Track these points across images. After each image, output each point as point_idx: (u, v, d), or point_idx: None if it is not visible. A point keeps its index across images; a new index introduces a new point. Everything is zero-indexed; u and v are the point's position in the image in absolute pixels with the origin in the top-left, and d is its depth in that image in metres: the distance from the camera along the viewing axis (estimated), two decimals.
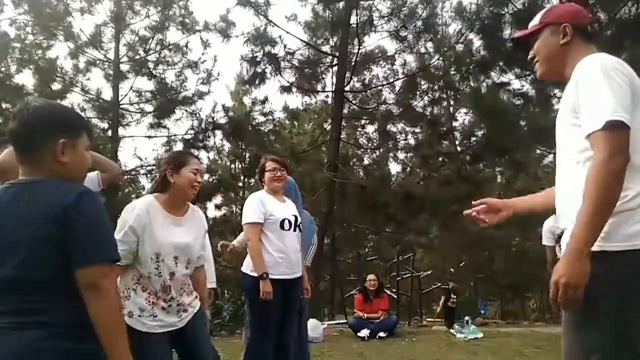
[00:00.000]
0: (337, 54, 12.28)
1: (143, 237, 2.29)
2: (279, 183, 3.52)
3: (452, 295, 8.79)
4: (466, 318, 7.16)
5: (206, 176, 13.66)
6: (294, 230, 3.44)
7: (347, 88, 12.31)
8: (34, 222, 1.31)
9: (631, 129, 1.39)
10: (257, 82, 12.41)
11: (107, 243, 1.39)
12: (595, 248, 1.39)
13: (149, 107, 13.36)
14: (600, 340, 1.39)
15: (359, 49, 12.29)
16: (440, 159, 14.72)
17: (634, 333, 1.37)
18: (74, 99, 12.54)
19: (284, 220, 3.38)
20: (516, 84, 10.49)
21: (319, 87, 14.24)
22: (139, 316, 2.30)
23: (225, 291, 11.31)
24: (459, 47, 11.78)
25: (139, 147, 28.12)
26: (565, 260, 1.38)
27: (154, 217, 2.32)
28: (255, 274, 3.28)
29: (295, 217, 3.48)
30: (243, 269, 3.49)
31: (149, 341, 2.29)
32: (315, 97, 15.24)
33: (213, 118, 13.29)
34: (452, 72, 12.50)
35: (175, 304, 2.38)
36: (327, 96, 14.49)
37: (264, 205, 3.38)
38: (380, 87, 14.79)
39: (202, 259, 2.57)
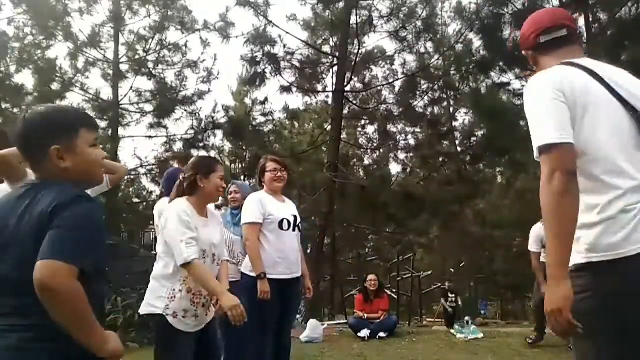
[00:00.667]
0: (337, 53, 12.28)
1: None
2: (279, 183, 3.54)
3: (450, 295, 8.80)
4: (466, 318, 7.15)
5: None
6: (293, 230, 3.45)
7: (347, 88, 12.31)
8: (32, 222, 1.30)
9: (585, 140, 1.41)
10: (257, 82, 12.40)
11: (76, 247, 1.27)
12: (582, 260, 1.40)
13: (148, 107, 13.36)
14: (599, 355, 1.39)
15: (358, 48, 12.29)
16: (440, 159, 14.72)
17: (632, 344, 1.35)
18: (73, 99, 12.54)
19: (282, 220, 3.40)
20: (516, 84, 10.50)
21: (319, 87, 14.26)
22: (183, 317, 2.42)
23: None
24: (459, 46, 11.78)
25: (139, 146, 28.18)
26: (547, 289, 1.38)
27: (192, 218, 2.47)
28: (253, 274, 3.29)
29: (295, 216, 3.49)
30: (242, 268, 3.49)
31: (183, 339, 2.41)
32: (315, 97, 15.27)
33: (213, 118, 13.28)
34: (451, 72, 12.50)
35: (209, 299, 2.53)
36: (327, 96, 14.50)
37: (263, 206, 3.39)
38: (380, 87, 14.79)
39: (224, 254, 2.73)
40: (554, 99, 1.44)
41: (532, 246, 5.39)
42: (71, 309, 1.24)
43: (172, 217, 2.44)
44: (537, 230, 5.33)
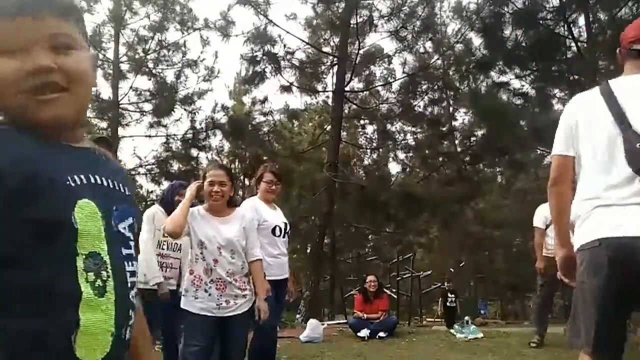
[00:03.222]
0: (337, 53, 12.27)
1: None
2: (272, 195, 3.80)
3: (449, 295, 8.80)
4: (466, 318, 7.14)
5: None
6: (284, 236, 3.69)
7: (347, 88, 12.30)
8: None
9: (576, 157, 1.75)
10: (257, 81, 12.40)
11: None
12: None
13: (148, 107, 13.35)
14: None
15: (359, 48, 12.28)
16: (440, 159, 14.73)
17: None
18: None
19: (275, 227, 3.62)
20: (516, 84, 10.50)
21: (319, 87, 14.23)
22: (184, 296, 2.83)
23: None
24: (459, 46, 11.78)
25: (139, 146, 28.20)
26: None
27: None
28: None
29: (285, 223, 3.73)
30: None
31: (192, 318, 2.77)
32: (315, 97, 15.24)
33: (213, 118, 13.28)
34: (451, 72, 12.50)
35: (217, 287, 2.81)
36: (327, 96, 14.47)
37: (258, 212, 3.55)
38: (380, 87, 14.78)
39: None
40: (563, 120, 1.88)
41: (537, 222, 5.38)
42: None
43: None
44: (542, 211, 5.35)
